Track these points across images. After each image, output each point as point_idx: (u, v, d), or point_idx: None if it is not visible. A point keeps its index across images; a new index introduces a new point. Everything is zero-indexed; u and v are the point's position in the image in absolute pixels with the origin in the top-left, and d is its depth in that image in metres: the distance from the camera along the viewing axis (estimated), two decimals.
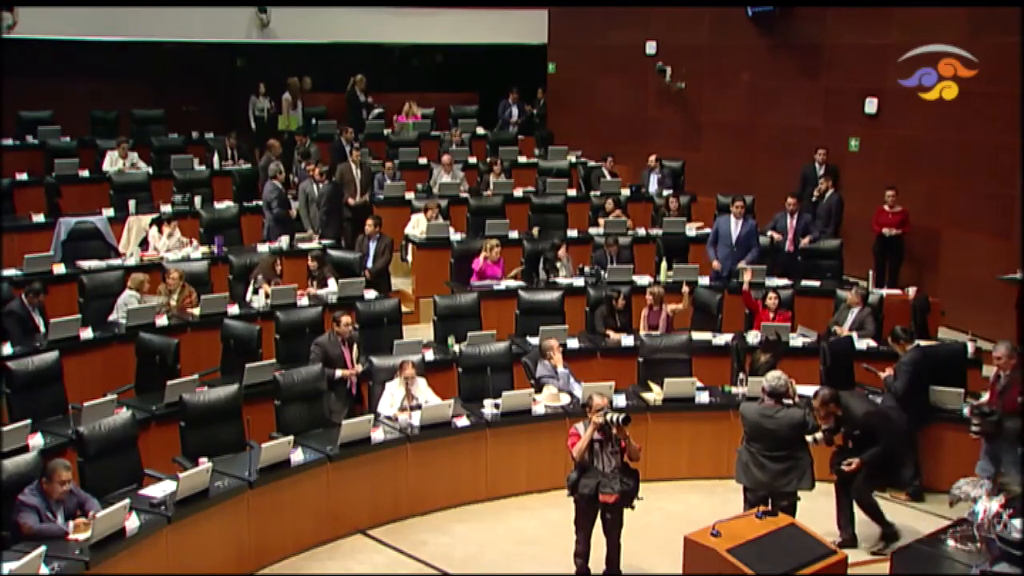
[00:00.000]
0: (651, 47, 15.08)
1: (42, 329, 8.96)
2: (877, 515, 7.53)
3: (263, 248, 11.13)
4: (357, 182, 12.43)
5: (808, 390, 8.58)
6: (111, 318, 9.39)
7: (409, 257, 12.01)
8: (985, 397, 7.80)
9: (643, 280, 10.93)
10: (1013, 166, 11.08)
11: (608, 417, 6.60)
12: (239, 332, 8.98)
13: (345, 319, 8.63)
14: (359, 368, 8.62)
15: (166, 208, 11.75)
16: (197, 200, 11.93)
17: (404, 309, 10.51)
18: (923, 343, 8.80)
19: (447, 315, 9.77)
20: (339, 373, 8.51)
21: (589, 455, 6.64)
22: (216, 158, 13.34)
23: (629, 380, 9.07)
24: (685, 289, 10.23)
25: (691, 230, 12.29)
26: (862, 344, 9.55)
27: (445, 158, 13.40)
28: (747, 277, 10.45)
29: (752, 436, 6.88)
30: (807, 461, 6.87)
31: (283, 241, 11.25)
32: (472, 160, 14.17)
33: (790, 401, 6.88)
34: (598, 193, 13.22)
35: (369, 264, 11.05)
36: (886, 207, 11.63)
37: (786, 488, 6.83)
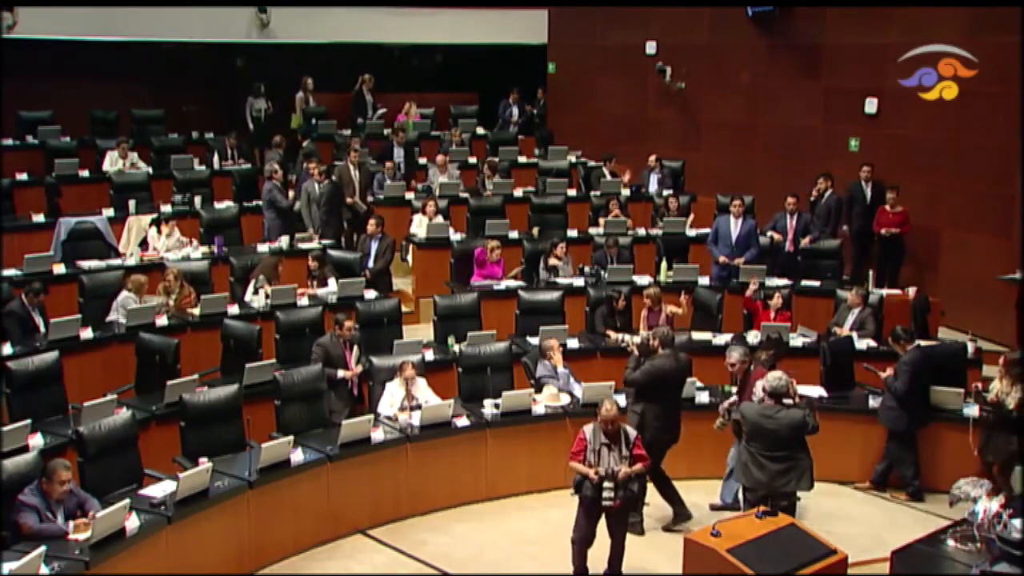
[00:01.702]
0: (651, 47, 15.08)
1: (42, 329, 8.96)
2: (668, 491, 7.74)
3: (263, 248, 11.13)
4: (356, 183, 12.43)
5: (808, 390, 8.63)
6: (108, 319, 9.38)
7: (409, 257, 12.01)
8: (734, 398, 7.75)
9: (643, 280, 10.93)
10: (1013, 166, 11.09)
11: (605, 494, 6.58)
12: (239, 332, 8.98)
13: (348, 323, 8.67)
14: (359, 369, 8.63)
15: (166, 208, 11.75)
16: (197, 200, 11.92)
17: (404, 309, 10.51)
18: (923, 343, 8.81)
19: (447, 315, 9.77)
20: (341, 374, 8.52)
21: (595, 458, 6.66)
22: (216, 158, 13.34)
23: None
24: (685, 298, 10.10)
25: (691, 231, 12.30)
26: (862, 344, 9.55)
27: (439, 158, 13.41)
28: (752, 287, 10.25)
29: (752, 436, 6.88)
30: (807, 462, 6.88)
31: (283, 241, 11.25)
32: (472, 160, 14.17)
33: (790, 401, 6.88)
34: (598, 193, 13.23)
35: (370, 264, 11.05)
36: (887, 207, 11.63)
37: (785, 488, 6.83)
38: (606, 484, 6.57)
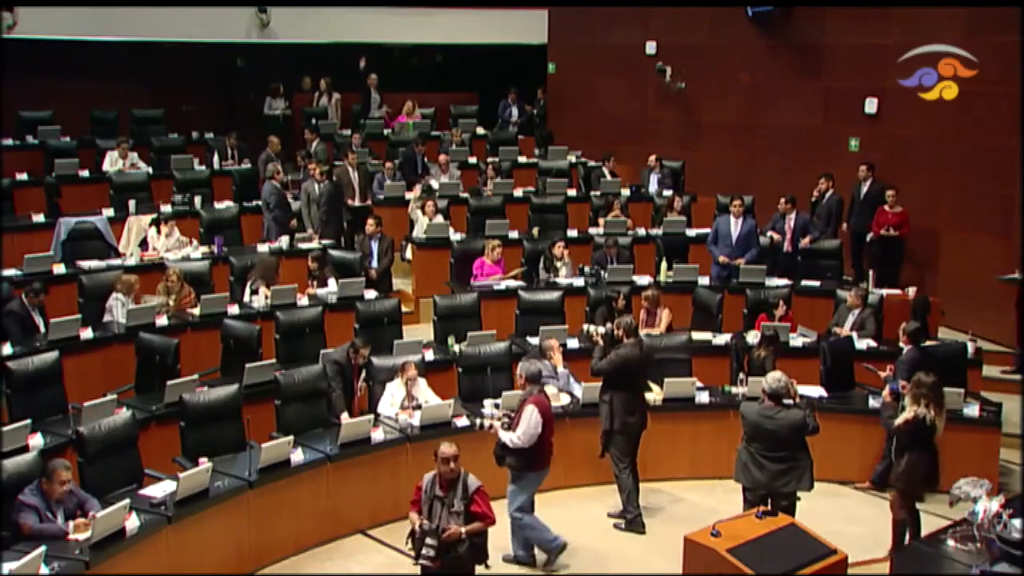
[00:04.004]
0: (651, 47, 15.08)
1: (42, 329, 8.96)
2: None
3: (263, 248, 11.13)
4: (356, 186, 12.41)
5: (808, 390, 8.64)
6: (104, 320, 9.37)
7: (409, 256, 12.01)
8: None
9: (643, 280, 10.93)
10: (1013, 166, 11.08)
11: (423, 551, 5.88)
12: (239, 332, 8.97)
13: (364, 351, 8.40)
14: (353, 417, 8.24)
15: (166, 208, 11.74)
16: (197, 200, 11.92)
17: (404, 309, 10.51)
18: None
19: (447, 315, 9.77)
20: (344, 417, 8.07)
21: (427, 511, 6.10)
22: (216, 158, 13.34)
23: None
24: (667, 319, 9.95)
25: (691, 231, 12.30)
26: (862, 344, 9.55)
27: (442, 158, 13.41)
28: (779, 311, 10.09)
29: (752, 436, 6.88)
30: (807, 462, 6.88)
31: (283, 241, 11.25)
32: (472, 160, 14.18)
33: (790, 402, 6.88)
34: (598, 193, 13.23)
35: (374, 264, 11.05)
36: (886, 207, 11.62)
37: (785, 488, 6.83)
38: (428, 541, 5.90)
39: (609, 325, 8.00)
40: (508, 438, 7.00)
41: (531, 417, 6.89)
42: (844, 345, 9.32)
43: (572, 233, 12.09)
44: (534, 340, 9.34)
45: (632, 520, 7.74)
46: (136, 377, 8.55)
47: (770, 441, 6.80)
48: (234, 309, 9.76)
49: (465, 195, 12.82)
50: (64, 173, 12.46)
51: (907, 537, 7.05)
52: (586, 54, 15.87)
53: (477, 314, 9.86)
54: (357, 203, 12.36)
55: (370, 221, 11.34)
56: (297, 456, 7.33)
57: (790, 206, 11.65)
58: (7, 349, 8.49)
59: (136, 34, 14.35)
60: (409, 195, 12.74)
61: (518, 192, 13.13)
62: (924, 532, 6.46)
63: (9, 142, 13.17)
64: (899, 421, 7.07)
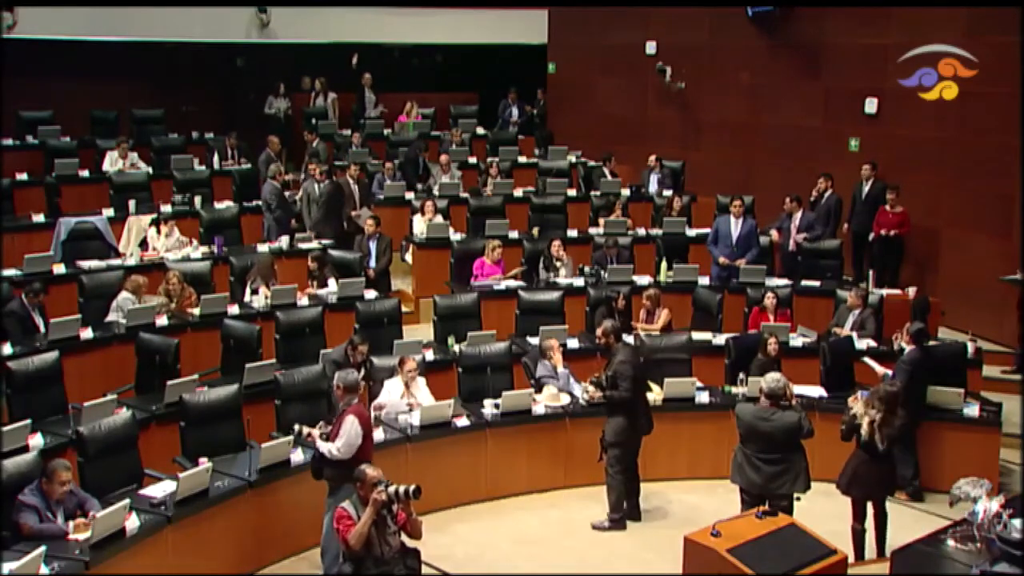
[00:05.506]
0: (651, 47, 15.08)
1: (42, 329, 8.96)
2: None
3: (263, 248, 11.12)
4: (356, 198, 12.39)
5: (808, 390, 8.63)
6: (108, 319, 9.37)
7: (409, 257, 12.01)
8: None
9: (643, 280, 10.94)
10: (1013, 166, 11.09)
11: (392, 491, 5.57)
12: (239, 332, 8.97)
13: (362, 347, 8.41)
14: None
15: (166, 208, 11.74)
16: (197, 200, 11.92)
17: (404, 309, 10.51)
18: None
19: (447, 315, 9.77)
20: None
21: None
22: (216, 158, 13.34)
23: None
24: (666, 318, 9.98)
25: (691, 231, 12.30)
26: (862, 344, 9.54)
27: (443, 158, 13.41)
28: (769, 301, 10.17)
29: (747, 438, 6.89)
30: (802, 464, 6.89)
31: (283, 241, 11.25)
32: (472, 160, 14.18)
33: (786, 403, 6.87)
34: (598, 193, 13.23)
35: (372, 263, 11.05)
36: (887, 207, 11.62)
37: (780, 490, 6.83)
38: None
39: (597, 374, 7.80)
40: (327, 449, 6.63)
41: (351, 427, 6.58)
42: (844, 345, 9.32)
43: (572, 233, 12.09)
44: (534, 340, 9.34)
45: (618, 520, 7.73)
46: (136, 377, 8.55)
47: (765, 443, 6.80)
48: (234, 309, 9.76)
49: (465, 195, 12.83)
50: (64, 173, 12.45)
51: (864, 548, 7.08)
52: (586, 54, 15.87)
53: (477, 314, 9.86)
54: (357, 214, 12.35)
55: (369, 221, 11.34)
56: (297, 456, 7.32)
57: (796, 204, 11.66)
58: (7, 349, 8.48)
59: (136, 34, 14.35)
60: (409, 195, 12.75)
61: (518, 192, 13.14)
62: (924, 532, 6.45)
63: (9, 142, 13.17)
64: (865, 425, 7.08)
